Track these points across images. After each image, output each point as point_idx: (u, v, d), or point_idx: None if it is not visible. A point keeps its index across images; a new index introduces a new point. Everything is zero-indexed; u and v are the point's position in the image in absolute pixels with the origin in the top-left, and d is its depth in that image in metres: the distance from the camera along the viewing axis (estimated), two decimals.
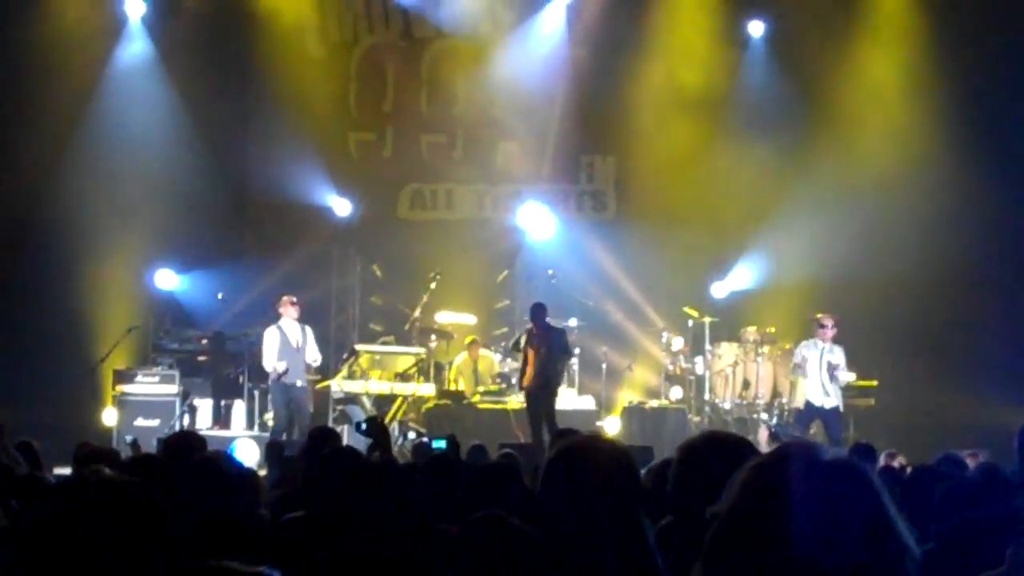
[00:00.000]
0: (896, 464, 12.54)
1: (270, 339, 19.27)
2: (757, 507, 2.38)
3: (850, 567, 2.31)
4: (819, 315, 19.85)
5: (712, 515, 2.50)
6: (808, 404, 19.66)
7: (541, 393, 18.91)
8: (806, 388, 19.74)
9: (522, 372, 19.33)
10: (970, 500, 6.60)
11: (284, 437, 18.39)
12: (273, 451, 13.22)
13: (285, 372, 19.03)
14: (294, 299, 19.52)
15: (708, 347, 22.21)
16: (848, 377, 19.85)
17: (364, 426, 9.73)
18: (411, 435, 20.02)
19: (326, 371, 21.38)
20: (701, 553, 2.47)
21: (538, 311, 19.17)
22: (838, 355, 19.67)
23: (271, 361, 19.22)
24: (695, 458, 4.30)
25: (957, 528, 6.44)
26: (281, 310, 19.41)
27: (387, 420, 18.40)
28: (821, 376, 19.49)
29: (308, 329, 19.58)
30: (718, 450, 4.28)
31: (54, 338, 21.72)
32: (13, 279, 21.78)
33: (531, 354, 19.02)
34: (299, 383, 19.24)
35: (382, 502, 4.59)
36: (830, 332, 19.63)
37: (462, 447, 12.29)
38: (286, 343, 19.20)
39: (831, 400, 19.55)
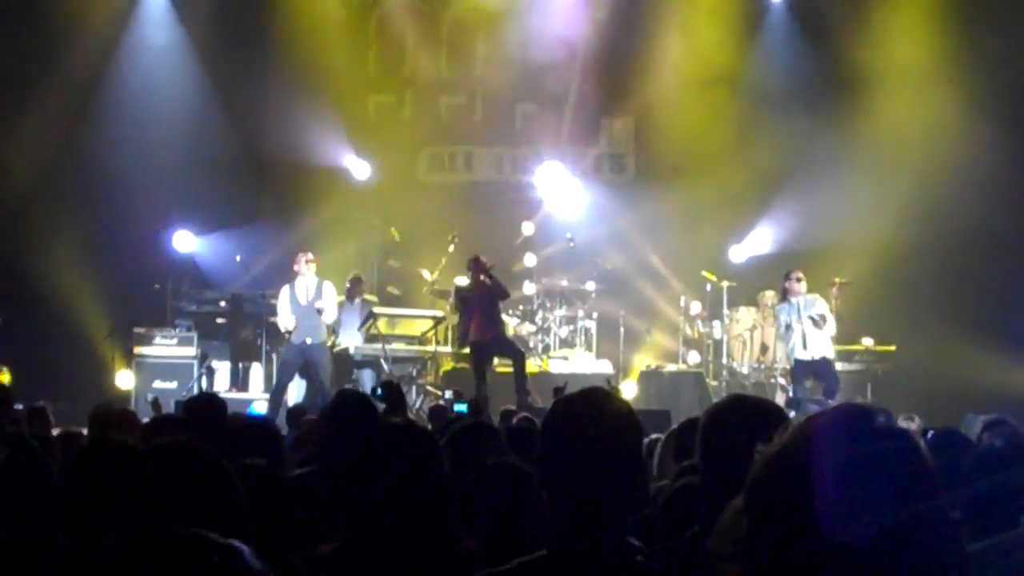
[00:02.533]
0: (913, 427, 12.51)
1: (282, 298, 19.25)
2: (804, 456, 2.38)
3: (892, 522, 2.31)
4: (789, 272, 19.79)
5: (759, 454, 2.49)
6: (797, 362, 19.60)
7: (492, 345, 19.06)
8: (791, 348, 19.71)
9: (465, 325, 19.31)
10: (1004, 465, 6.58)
11: (278, 398, 18.46)
12: (292, 415, 13.25)
13: (294, 329, 19.01)
14: (309, 255, 19.38)
15: (726, 311, 22.18)
16: (830, 325, 19.84)
17: (380, 391, 9.74)
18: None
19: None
20: (745, 488, 2.46)
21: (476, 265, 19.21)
22: (820, 306, 19.64)
23: (282, 320, 19.23)
24: (722, 420, 4.30)
25: (984, 493, 6.43)
26: (295, 267, 19.30)
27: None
28: (803, 330, 19.46)
29: (326, 285, 19.39)
30: (744, 413, 4.27)
31: (72, 300, 21.74)
32: (32, 239, 21.79)
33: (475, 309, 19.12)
34: (309, 340, 19.02)
35: (406, 461, 4.58)
36: (797, 285, 19.58)
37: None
38: (295, 300, 19.13)
39: (819, 351, 19.52)
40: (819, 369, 19.46)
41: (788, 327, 19.56)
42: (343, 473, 6.14)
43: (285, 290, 19.24)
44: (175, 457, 3.64)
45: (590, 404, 3.77)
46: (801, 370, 19.54)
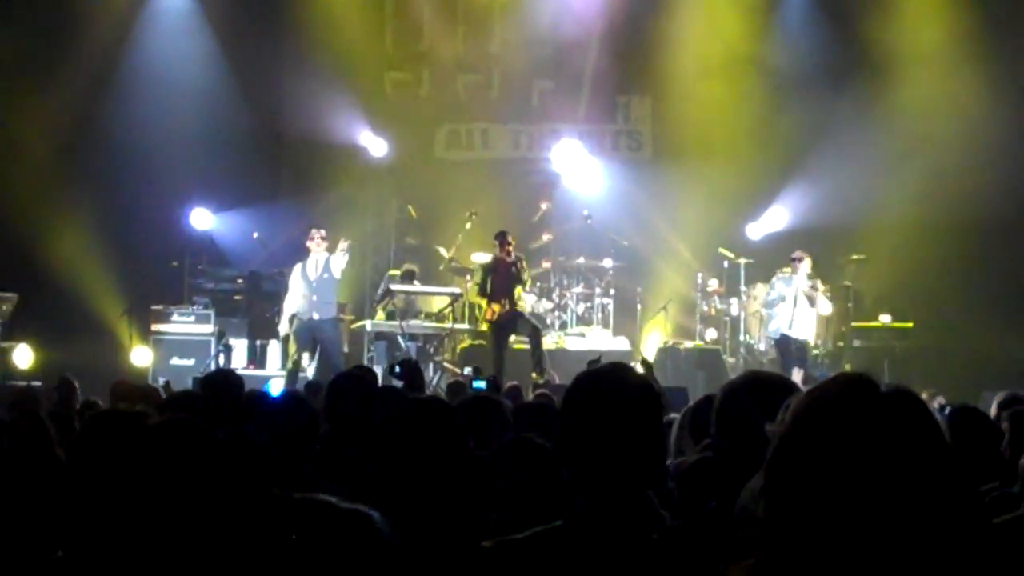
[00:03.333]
0: (936, 404, 12.49)
1: (293, 277, 19.28)
2: (817, 429, 2.38)
3: (908, 493, 2.31)
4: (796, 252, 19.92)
5: (771, 434, 2.49)
6: (783, 336, 19.80)
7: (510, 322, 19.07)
8: (779, 321, 19.78)
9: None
10: None
11: (293, 373, 18.50)
12: (310, 390, 13.25)
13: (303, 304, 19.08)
14: (323, 232, 19.36)
15: (743, 288, 22.17)
16: (826, 306, 19.96)
17: (398, 368, 9.75)
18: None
19: (361, 310, 21.48)
20: (764, 466, 2.46)
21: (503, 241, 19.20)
22: (807, 285, 19.74)
23: (288, 302, 19.28)
24: (738, 397, 4.30)
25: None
26: (308, 243, 19.32)
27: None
28: (794, 310, 19.54)
29: (333, 258, 19.33)
30: (760, 390, 4.27)
31: (90, 277, 21.79)
32: (50, 217, 21.82)
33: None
34: (316, 316, 19.02)
35: (428, 435, 4.59)
36: (800, 265, 19.65)
37: None
38: (305, 276, 19.15)
39: (804, 332, 19.74)
40: (801, 349, 19.67)
41: (776, 297, 19.73)
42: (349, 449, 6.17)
43: (297, 268, 19.26)
44: (177, 434, 3.63)
45: (611, 379, 3.78)
46: (787, 343, 19.76)
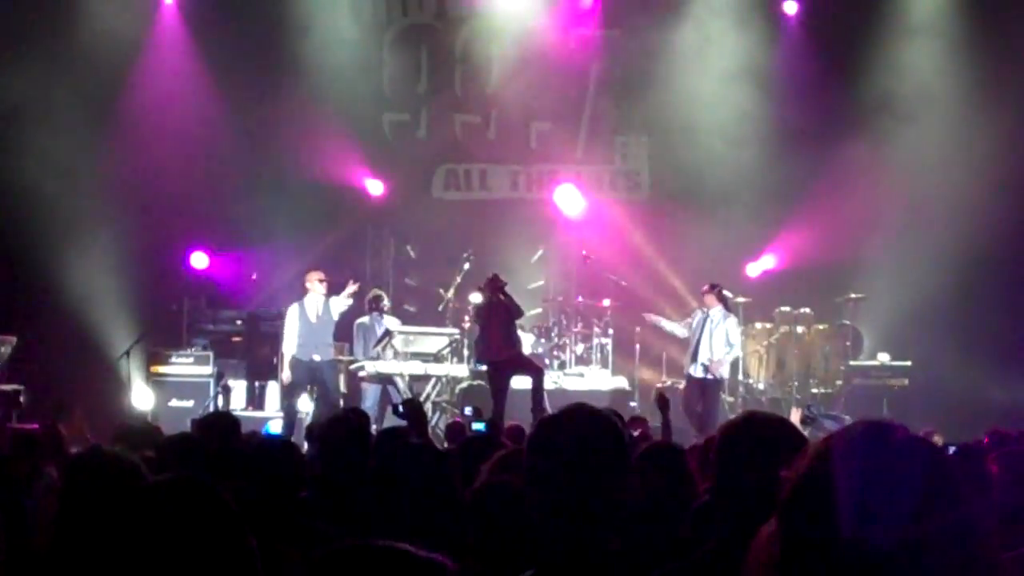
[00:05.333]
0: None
1: (290, 316, 19.37)
2: (832, 475, 2.39)
3: (920, 535, 2.33)
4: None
5: (786, 479, 2.51)
6: (689, 376, 19.82)
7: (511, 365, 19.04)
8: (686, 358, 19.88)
9: (485, 343, 19.26)
10: None
11: (289, 413, 18.53)
12: (310, 432, 13.26)
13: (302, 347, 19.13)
14: (320, 275, 19.48)
15: (741, 327, 22.18)
16: (726, 350, 19.81)
17: (401, 408, 9.77)
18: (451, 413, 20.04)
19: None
20: (778, 511, 2.48)
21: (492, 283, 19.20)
22: (731, 324, 19.78)
23: (287, 343, 19.35)
24: (736, 439, 4.30)
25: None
26: (308, 285, 19.41)
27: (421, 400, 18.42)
28: (699, 347, 19.56)
29: (333, 300, 19.46)
30: (759, 430, 4.27)
31: (89, 318, 21.82)
32: (50, 257, 21.84)
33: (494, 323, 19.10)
34: (317, 357, 19.15)
35: (421, 479, 4.61)
36: (707, 298, 19.77)
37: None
38: (304, 317, 19.22)
39: (700, 371, 19.59)
40: (703, 388, 19.55)
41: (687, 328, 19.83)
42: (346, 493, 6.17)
43: (294, 308, 19.34)
44: (175, 495, 3.61)
45: (568, 421, 3.81)
46: (687, 384, 19.78)
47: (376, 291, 21.61)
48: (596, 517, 3.71)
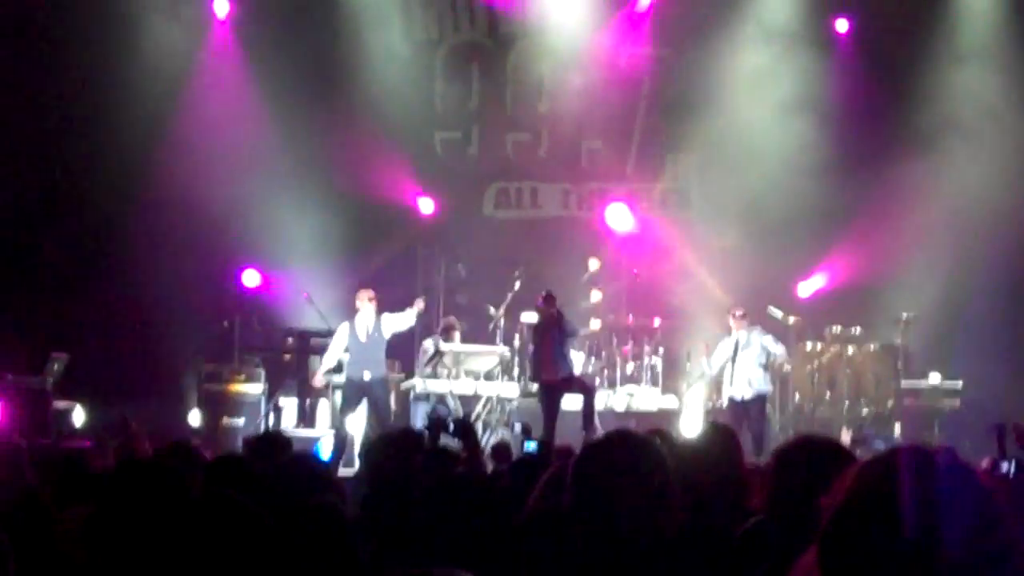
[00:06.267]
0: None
1: (339, 334, 19.43)
2: (870, 502, 2.38)
3: (958, 561, 2.31)
4: (731, 307, 20.24)
5: (825, 508, 2.49)
6: (730, 399, 19.78)
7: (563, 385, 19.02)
8: (724, 384, 19.89)
9: (538, 362, 19.30)
10: None
11: (340, 433, 18.55)
12: (362, 449, 13.27)
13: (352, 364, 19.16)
14: (371, 292, 19.49)
15: (792, 347, 22.08)
16: (779, 351, 20.00)
17: (452, 427, 9.76)
18: (502, 431, 20.01)
19: (410, 367, 21.55)
20: (818, 540, 2.46)
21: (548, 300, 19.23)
22: (763, 338, 19.72)
23: (328, 356, 19.40)
24: (790, 462, 4.28)
25: None
26: (358, 303, 19.44)
27: (472, 419, 18.42)
28: (734, 368, 19.55)
29: (384, 317, 19.53)
30: (812, 454, 4.25)
31: (142, 336, 21.93)
32: (98, 277, 21.98)
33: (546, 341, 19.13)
34: (368, 376, 19.15)
35: (467, 506, 4.61)
36: (737, 321, 19.75)
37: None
38: (355, 336, 19.25)
39: (749, 390, 19.54)
40: (751, 409, 19.54)
41: (714, 360, 19.82)
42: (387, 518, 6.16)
43: (344, 326, 19.37)
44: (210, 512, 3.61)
45: (613, 448, 3.79)
46: (731, 408, 19.71)
47: (450, 319, 21.72)
48: (638, 545, 3.70)
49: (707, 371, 20.40)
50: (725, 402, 20.03)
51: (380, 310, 19.48)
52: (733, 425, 18.65)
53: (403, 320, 19.65)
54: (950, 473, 2.41)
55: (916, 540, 2.33)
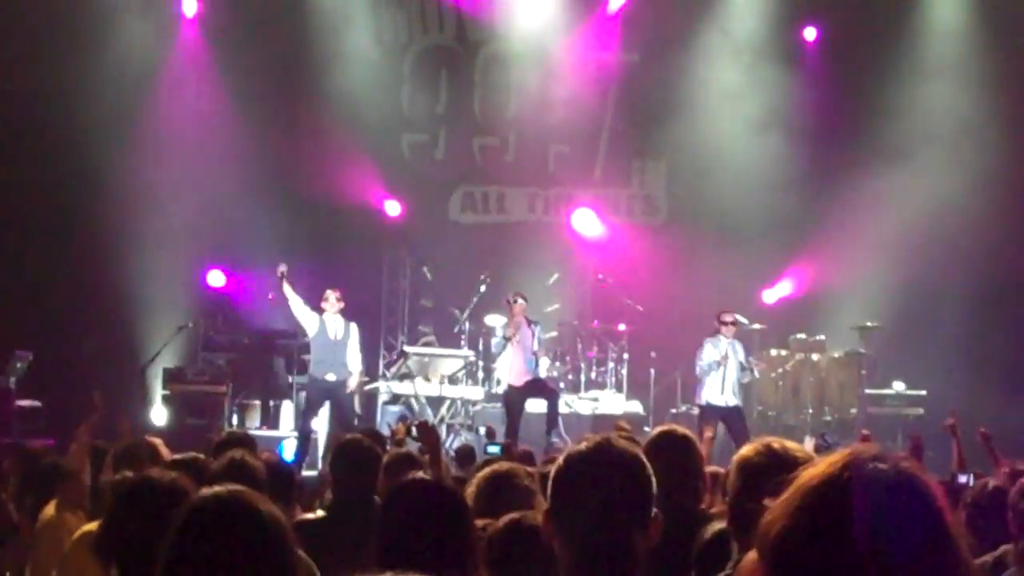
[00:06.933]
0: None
1: (310, 317, 19.18)
2: (821, 515, 2.37)
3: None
4: (721, 312, 19.82)
5: (770, 510, 2.49)
6: (708, 404, 19.55)
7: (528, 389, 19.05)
8: (707, 388, 19.63)
9: (510, 366, 19.34)
10: None
11: (304, 433, 18.50)
12: (326, 452, 13.26)
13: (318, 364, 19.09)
14: (338, 293, 19.35)
15: (756, 353, 22.13)
16: (754, 371, 19.98)
17: (414, 431, 9.77)
18: (466, 434, 20.02)
19: (374, 373, 21.48)
20: (766, 550, 2.46)
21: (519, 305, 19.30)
22: (741, 352, 19.68)
23: (303, 313, 19.21)
24: (751, 466, 4.29)
25: None
26: (324, 304, 19.24)
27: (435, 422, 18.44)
28: (724, 375, 19.41)
29: (353, 327, 19.41)
30: (773, 459, 4.27)
31: (103, 336, 21.84)
32: (62, 276, 21.90)
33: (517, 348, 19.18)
34: (333, 377, 18.97)
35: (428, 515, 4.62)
36: (728, 328, 19.58)
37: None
38: (324, 334, 19.12)
39: (734, 399, 19.49)
40: (732, 417, 19.37)
41: (714, 365, 19.51)
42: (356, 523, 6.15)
43: (315, 319, 19.13)
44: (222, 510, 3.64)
45: (596, 454, 3.77)
46: (712, 414, 19.47)
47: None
48: (618, 561, 3.69)
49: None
50: (701, 404, 19.86)
51: (346, 313, 19.37)
52: (703, 430, 18.73)
53: (356, 350, 19.47)
54: (902, 489, 2.41)
55: (867, 555, 2.33)
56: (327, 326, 19.11)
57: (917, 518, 2.37)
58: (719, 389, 19.47)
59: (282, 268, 18.91)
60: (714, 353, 19.52)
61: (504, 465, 6.65)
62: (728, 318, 19.74)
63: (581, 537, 3.66)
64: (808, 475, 2.47)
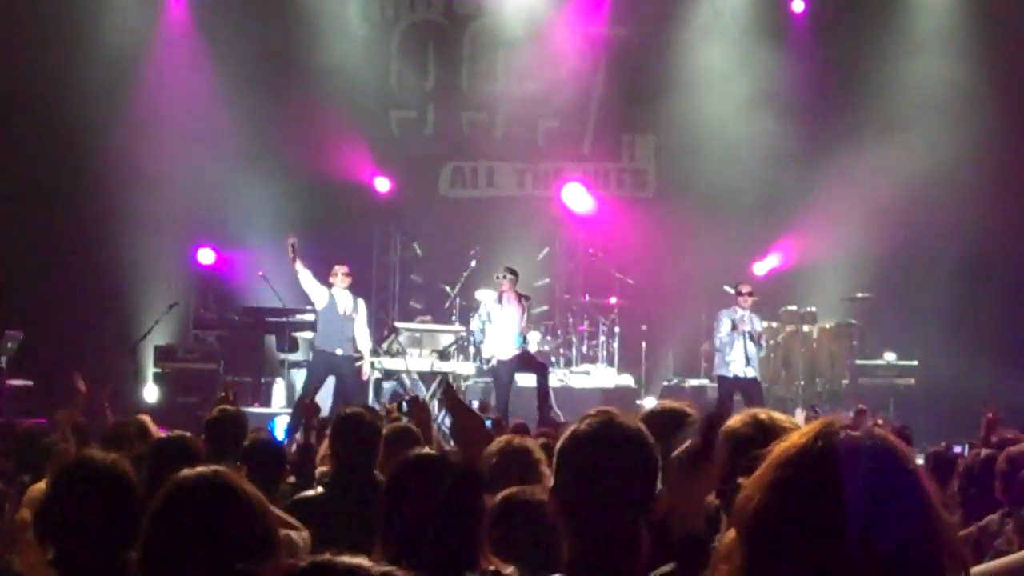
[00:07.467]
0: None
1: (319, 291, 19.12)
2: (804, 493, 2.37)
3: (891, 549, 2.32)
4: (738, 283, 19.82)
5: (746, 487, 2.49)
6: (728, 376, 19.55)
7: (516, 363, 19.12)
8: (726, 359, 19.62)
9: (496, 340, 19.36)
10: None
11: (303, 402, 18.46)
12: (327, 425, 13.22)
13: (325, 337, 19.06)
14: (346, 268, 19.31)
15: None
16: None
17: (405, 406, 9.76)
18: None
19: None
20: (744, 529, 2.46)
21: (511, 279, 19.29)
22: (757, 323, 19.67)
23: (312, 286, 19.16)
24: (737, 437, 4.29)
25: None
26: (332, 279, 19.16)
27: (427, 398, 18.44)
28: (745, 345, 19.43)
29: (362, 303, 19.40)
30: (760, 430, 4.26)
31: (94, 313, 21.83)
32: (53, 253, 21.88)
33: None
34: (339, 351, 18.96)
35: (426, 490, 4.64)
36: (745, 299, 19.58)
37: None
38: (333, 308, 19.06)
39: (752, 370, 19.48)
40: (751, 389, 19.35)
41: (734, 336, 19.49)
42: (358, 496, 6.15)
43: (324, 292, 19.05)
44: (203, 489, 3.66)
45: (601, 433, 3.77)
46: (730, 385, 19.48)
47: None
48: (623, 544, 3.70)
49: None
50: (720, 375, 19.88)
51: (354, 288, 19.37)
52: (722, 401, 18.70)
53: (364, 326, 19.49)
54: (876, 455, 2.41)
55: (844, 523, 2.33)
56: (336, 300, 19.03)
57: (894, 484, 2.37)
58: (741, 361, 19.42)
59: (292, 240, 18.84)
60: (725, 325, 19.51)
61: (514, 438, 6.67)
62: (745, 288, 19.71)
63: (585, 519, 3.67)
64: (781, 448, 2.47)
